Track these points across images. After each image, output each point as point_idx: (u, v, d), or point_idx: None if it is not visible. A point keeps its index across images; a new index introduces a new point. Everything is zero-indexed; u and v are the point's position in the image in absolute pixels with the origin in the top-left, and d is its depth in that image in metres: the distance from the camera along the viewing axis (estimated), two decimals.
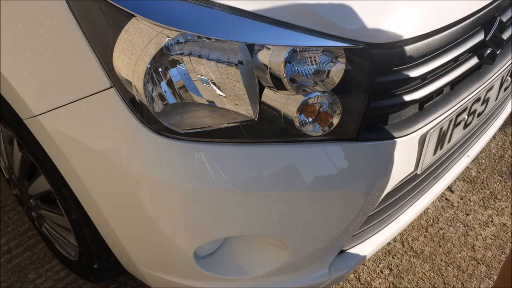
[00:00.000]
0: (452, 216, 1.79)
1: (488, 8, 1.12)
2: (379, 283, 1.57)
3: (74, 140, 1.01)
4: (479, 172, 1.99)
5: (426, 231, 1.74)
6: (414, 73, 1.00)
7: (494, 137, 2.14)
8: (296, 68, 0.91)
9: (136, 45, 0.90)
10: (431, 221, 1.78)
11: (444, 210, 1.82)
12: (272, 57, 0.89)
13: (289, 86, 0.91)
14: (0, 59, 1.03)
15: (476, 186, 1.92)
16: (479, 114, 1.29)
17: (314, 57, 0.92)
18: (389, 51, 0.95)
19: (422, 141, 1.10)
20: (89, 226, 1.20)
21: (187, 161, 0.95)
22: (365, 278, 1.58)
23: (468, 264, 1.62)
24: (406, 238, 1.71)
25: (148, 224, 1.05)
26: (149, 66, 0.90)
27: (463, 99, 1.17)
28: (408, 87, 1.03)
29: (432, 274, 1.60)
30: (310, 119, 0.94)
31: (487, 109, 1.32)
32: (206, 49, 0.90)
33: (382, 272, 1.60)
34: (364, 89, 0.95)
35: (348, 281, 1.57)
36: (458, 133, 1.23)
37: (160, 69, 0.91)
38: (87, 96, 0.97)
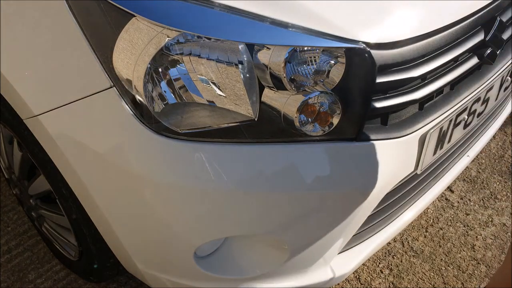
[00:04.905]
0: (452, 216, 1.79)
1: (488, 8, 1.12)
2: (379, 283, 1.57)
3: (74, 140, 1.01)
4: (479, 172, 1.98)
5: (426, 231, 1.74)
6: (414, 73, 1.00)
7: (494, 137, 2.14)
8: (296, 68, 0.91)
9: (136, 45, 0.90)
10: (431, 221, 1.77)
11: (444, 210, 1.82)
12: (272, 57, 0.89)
13: (289, 86, 0.91)
14: (0, 59, 1.03)
15: (476, 186, 1.92)
16: (479, 114, 1.29)
17: (314, 57, 0.92)
18: (389, 51, 0.95)
19: (422, 141, 1.10)
20: (89, 226, 1.20)
21: (187, 161, 0.95)
22: (365, 278, 1.58)
23: (468, 264, 1.62)
24: (406, 238, 1.71)
25: (148, 224, 1.05)
26: (149, 66, 0.90)
27: (463, 99, 1.17)
28: (408, 87, 1.03)
29: (432, 274, 1.60)
30: (310, 119, 0.94)
31: (487, 109, 1.32)
32: (206, 49, 0.89)
33: (382, 272, 1.60)
34: (364, 89, 0.95)
35: (348, 281, 1.57)
36: (458, 133, 1.23)
37: (160, 69, 0.91)
38: (87, 96, 0.97)
